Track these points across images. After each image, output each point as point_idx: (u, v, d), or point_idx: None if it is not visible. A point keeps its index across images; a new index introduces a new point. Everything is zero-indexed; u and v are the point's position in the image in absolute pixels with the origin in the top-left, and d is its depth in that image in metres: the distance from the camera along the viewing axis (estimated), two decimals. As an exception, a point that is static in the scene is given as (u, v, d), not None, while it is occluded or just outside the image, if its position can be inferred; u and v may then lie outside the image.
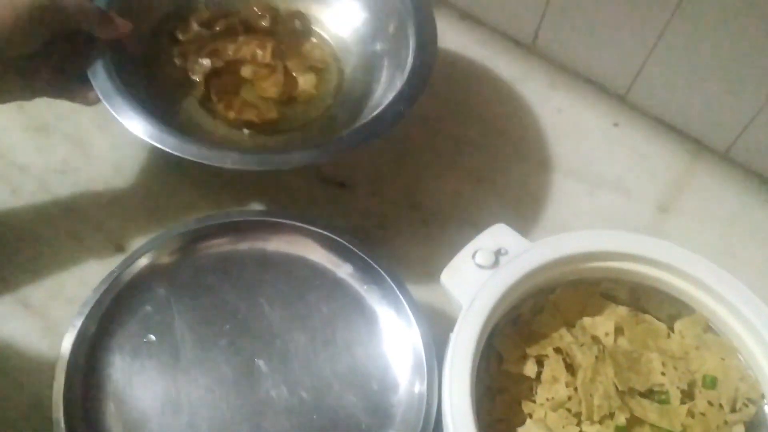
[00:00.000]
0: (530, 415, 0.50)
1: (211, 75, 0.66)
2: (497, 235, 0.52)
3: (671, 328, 0.53)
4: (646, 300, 0.53)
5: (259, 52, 0.67)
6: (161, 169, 0.66)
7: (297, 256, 0.55)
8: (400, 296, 0.52)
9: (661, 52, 0.66)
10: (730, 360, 0.50)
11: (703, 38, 0.62)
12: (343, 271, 0.55)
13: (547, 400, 0.50)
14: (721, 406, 0.49)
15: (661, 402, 0.49)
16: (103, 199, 0.64)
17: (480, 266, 0.51)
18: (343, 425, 0.50)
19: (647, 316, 0.53)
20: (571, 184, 0.68)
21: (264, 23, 0.70)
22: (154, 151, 0.58)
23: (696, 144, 0.70)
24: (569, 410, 0.49)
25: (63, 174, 0.66)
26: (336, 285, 0.54)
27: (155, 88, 0.63)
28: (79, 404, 0.48)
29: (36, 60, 0.56)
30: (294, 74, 0.68)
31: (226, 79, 0.67)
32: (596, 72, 0.71)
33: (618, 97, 0.71)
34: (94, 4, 0.58)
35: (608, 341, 0.52)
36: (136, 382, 0.49)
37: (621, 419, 0.48)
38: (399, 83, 0.60)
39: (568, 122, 0.71)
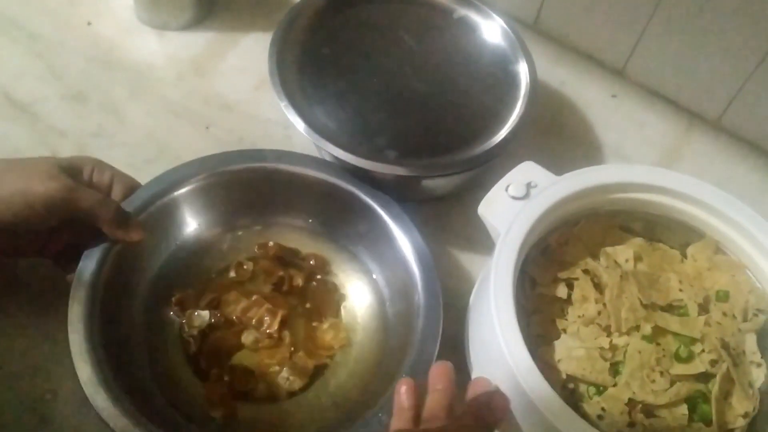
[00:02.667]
0: (564, 331, 0.54)
1: (208, 329, 0.59)
2: (527, 171, 0.57)
3: (684, 255, 0.58)
4: (659, 231, 0.59)
5: (267, 318, 0.59)
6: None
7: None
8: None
9: (654, 29, 0.72)
10: (740, 276, 0.55)
11: (692, 15, 0.68)
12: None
13: (579, 317, 0.54)
14: (734, 316, 0.54)
15: (680, 315, 0.54)
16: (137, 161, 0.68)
17: (513, 197, 0.55)
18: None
19: (661, 245, 0.58)
20: (572, 148, 0.73)
21: (299, 281, 0.62)
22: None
23: (689, 114, 0.76)
24: (599, 325, 0.54)
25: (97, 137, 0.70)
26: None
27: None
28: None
29: (45, 233, 0.56)
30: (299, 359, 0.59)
31: (222, 338, 0.59)
32: (595, 48, 0.78)
33: (616, 71, 0.78)
34: (112, 203, 0.56)
35: (628, 266, 0.57)
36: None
37: (647, 329, 0.53)
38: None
39: (571, 94, 0.77)
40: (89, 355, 0.51)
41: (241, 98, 0.74)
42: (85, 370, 0.50)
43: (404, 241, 0.59)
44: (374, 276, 0.63)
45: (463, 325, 0.58)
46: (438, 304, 0.56)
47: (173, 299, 0.60)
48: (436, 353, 0.54)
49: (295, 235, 0.65)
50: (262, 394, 0.57)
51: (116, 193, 0.58)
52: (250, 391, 0.57)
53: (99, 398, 0.49)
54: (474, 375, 0.55)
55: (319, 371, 0.59)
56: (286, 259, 0.63)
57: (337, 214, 0.63)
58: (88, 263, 0.55)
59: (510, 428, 0.48)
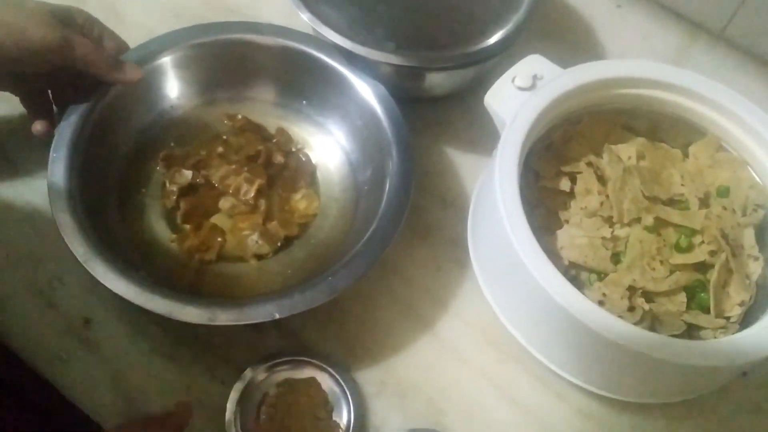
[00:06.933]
0: (567, 222, 0.55)
1: (188, 189, 0.61)
2: (533, 63, 0.56)
3: (686, 154, 0.58)
4: (662, 131, 0.59)
5: (245, 186, 0.61)
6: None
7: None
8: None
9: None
10: (741, 172, 0.56)
11: None
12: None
13: (582, 209, 0.55)
14: (734, 210, 0.55)
15: (681, 209, 0.55)
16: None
17: (520, 88, 0.55)
18: None
19: (664, 145, 0.59)
20: (575, 54, 0.72)
21: (280, 158, 0.63)
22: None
23: (693, 25, 0.76)
24: (602, 216, 0.54)
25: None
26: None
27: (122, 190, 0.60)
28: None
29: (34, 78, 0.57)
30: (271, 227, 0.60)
31: (200, 199, 0.61)
32: (600, -43, 0.77)
33: (620, -20, 0.77)
34: (105, 53, 0.56)
35: (631, 163, 0.57)
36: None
37: (648, 220, 0.54)
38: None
39: (575, 2, 0.76)
40: (67, 204, 0.52)
41: (242, 2, 0.73)
42: (64, 217, 0.52)
43: (372, 98, 0.60)
44: (347, 147, 0.64)
45: (465, 223, 0.59)
46: (411, 167, 0.57)
47: (160, 155, 0.62)
48: (404, 216, 0.55)
49: (276, 112, 0.65)
50: (229, 253, 0.59)
51: (106, 50, 0.58)
52: (218, 248, 0.59)
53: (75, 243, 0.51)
54: (477, 269, 0.56)
55: (289, 242, 0.60)
56: (258, 133, 0.64)
57: (318, 88, 0.64)
58: (72, 117, 0.56)
59: None
